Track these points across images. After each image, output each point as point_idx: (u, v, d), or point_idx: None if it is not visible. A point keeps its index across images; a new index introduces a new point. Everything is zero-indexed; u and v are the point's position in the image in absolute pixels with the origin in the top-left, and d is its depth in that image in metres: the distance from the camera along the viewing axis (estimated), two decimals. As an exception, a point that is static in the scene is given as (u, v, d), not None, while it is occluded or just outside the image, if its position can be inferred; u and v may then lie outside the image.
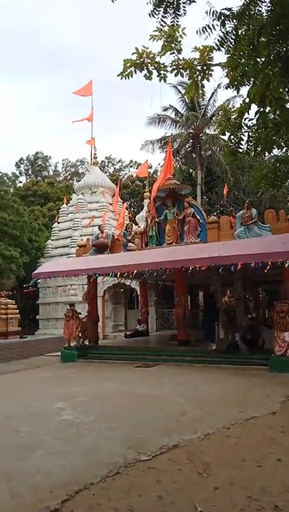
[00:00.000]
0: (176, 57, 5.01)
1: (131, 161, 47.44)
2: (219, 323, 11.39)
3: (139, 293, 18.13)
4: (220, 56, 4.90)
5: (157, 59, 5.04)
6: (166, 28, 4.71)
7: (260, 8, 4.35)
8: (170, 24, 4.54)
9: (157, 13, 4.41)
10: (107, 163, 49.13)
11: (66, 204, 26.48)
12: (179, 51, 4.98)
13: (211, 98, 26.80)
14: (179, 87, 26.03)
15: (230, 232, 11.50)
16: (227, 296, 12.11)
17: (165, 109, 27.39)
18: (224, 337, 11.70)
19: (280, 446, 4.74)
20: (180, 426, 5.52)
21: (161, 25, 4.54)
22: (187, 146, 27.97)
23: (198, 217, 12.28)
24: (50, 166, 50.29)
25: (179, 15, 4.39)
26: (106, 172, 43.33)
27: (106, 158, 48.83)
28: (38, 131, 69.16)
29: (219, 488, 3.72)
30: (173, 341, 13.22)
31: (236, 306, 15.63)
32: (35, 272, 13.75)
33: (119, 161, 49.28)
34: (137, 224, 22.79)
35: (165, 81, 5.14)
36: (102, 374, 10.07)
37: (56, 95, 70.85)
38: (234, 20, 4.44)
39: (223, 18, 4.39)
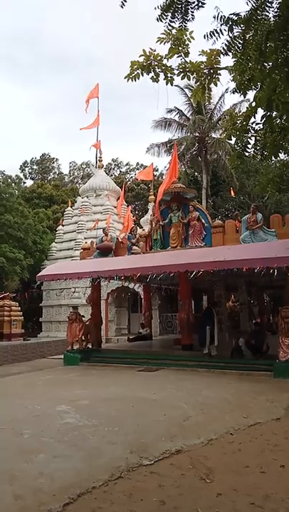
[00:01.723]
0: (183, 60, 5.05)
1: (137, 163, 47.58)
2: (214, 328, 11.28)
3: (142, 296, 18.12)
4: (227, 60, 4.93)
5: (164, 62, 5.09)
6: (173, 32, 4.75)
7: (267, 14, 4.38)
8: (178, 28, 4.58)
9: (165, 17, 4.45)
10: (113, 166, 49.30)
11: (71, 207, 26.56)
12: (186, 54, 5.01)
13: (218, 102, 26.87)
14: (186, 90, 26.13)
15: (236, 237, 11.50)
16: (231, 301, 12.08)
17: (170, 111, 27.44)
18: (228, 342, 11.65)
19: (283, 452, 4.72)
20: (183, 431, 5.51)
21: (169, 29, 4.57)
22: (193, 150, 28.00)
23: (203, 221, 12.29)
24: (55, 168, 50.56)
25: (186, 20, 4.43)
26: (112, 175, 43.46)
27: (112, 160, 49.02)
28: (47, 134, 69.64)
29: (222, 495, 3.71)
30: (176, 346, 13.19)
31: (240, 311, 15.63)
32: (39, 274, 13.80)
33: (126, 164, 49.44)
34: (141, 227, 22.81)
35: (172, 84, 5.17)
36: (105, 378, 10.07)
37: (64, 98, 71.46)
38: (242, 25, 4.47)
39: (230, 22, 4.42)
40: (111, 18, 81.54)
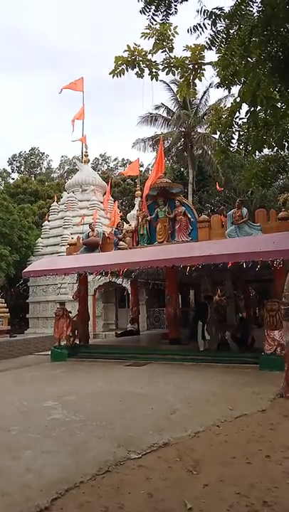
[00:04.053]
0: (167, 56, 5.02)
1: (123, 159, 47.37)
2: (205, 324, 11.41)
3: (130, 292, 18.14)
4: (211, 55, 4.93)
5: (149, 57, 5.05)
6: (157, 26, 4.72)
7: (251, 9, 4.38)
8: (160, 22, 4.55)
9: (148, 10, 4.41)
10: (100, 161, 48.98)
11: (57, 202, 26.33)
12: (171, 49, 4.99)
13: (202, 97, 26.88)
14: (172, 85, 26.08)
15: (221, 231, 11.57)
16: (218, 295, 12.19)
17: (157, 108, 27.42)
18: (214, 336, 11.77)
19: (269, 443, 4.81)
20: (170, 424, 5.56)
21: (152, 22, 4.54)
22: (179, 145, 28.01)
23: (189, 215, 12.33)
24: (43, 162, 50.03)
25: (170, 13, 4.40)
26: (99, 170, 43.19)
27: (100, 156, 48.70)
28: (38, 128, 68.73)
29: (209, 485, 3.76)
30: (164, 340, 13.27)
31: (227, 305, 15.77)
32: (25, 270, 13.67)
33: (114, 160, 49.17)
34: (128, 222, 22.75)
35: (157, 79, 5.15)
36: (93, 373, 10.07)
37: (50, 93, 70.48)
38: (226, 20, 4.46)
39: (214, 17, 4.41)
40: (95, 9, 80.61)
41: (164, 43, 4.90)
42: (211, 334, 11.65)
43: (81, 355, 12.64)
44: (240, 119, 5.40)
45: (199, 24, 4.42)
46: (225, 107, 6.12)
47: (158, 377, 8.88)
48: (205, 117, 25.85)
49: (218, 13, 4.40)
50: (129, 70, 5.04)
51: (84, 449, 4.68)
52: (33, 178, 40.32)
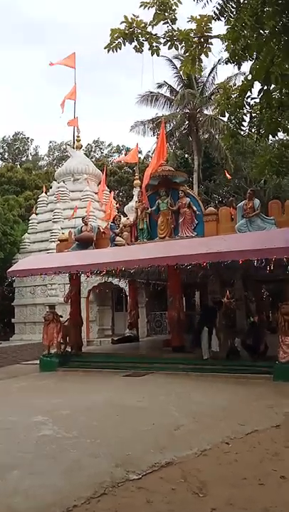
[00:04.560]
0: (170, 28, 5.01)
1: (118, 146, 47.29)
2: (212, 330, 11.44)
3: (128, 293, 18.15)
4: (220, 27, 4.91)
5: (149, 29, 5.04)
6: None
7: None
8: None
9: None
10: (94, 148, 48.94)
11: (45, 193, 26.31)
12: (173, 21, 4.98)
13: (210, 74, 26.84)
14: (175, 61, 26.01)
15: (231, 225, 11.57)
16: (226, 297, 12.19)
17: (159, 86, 27.33)
18: (223, 343, 11.79)
19: (283, 462, 4.83)
20: (174, 441, 5.58)
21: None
22: (183, 128, 27.97)
23: (194, 208, 12.33)
24: (28, 149, 49.97)
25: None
26: (92, 157, 43.13)
27: (93, 142, 48.66)
28: (24, 110, 68.65)
29: (217, 510, 3.78)
30: (166, 347, 13.29)
31: (237, 308, 15.76)
32: (10, 269, 13.68)
33: (109, 145, 49.09)
34: (125, 215, 22.73)
35: (158, 54, 5.14)
36: (87, 384, 10.10)
37: (37, 72, 70.39)
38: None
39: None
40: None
41: (166, 14, 4.89)
42: (219, 341, 11.68)
43: (73, 365, 12.66)
44: (252, 99, 5.39)
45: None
46: (235, 85, 6.10)
47: (160, 389, 8.91)
48: (212, 97, 25.76)
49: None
50: (127, 43, 5.03)
51: (77, 469, 4.70)
52: (18, 166, 40.24)
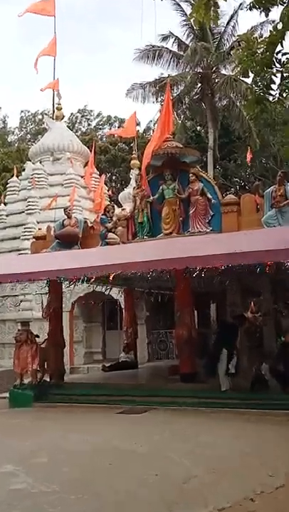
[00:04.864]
0: None
1: (109, 116, 47.33)
2: (233, 354, 11.43)
3: (123, 306, 18.14)
4: None
5: None
6: None
7: None
8: None
9: None
10: (79, 118, 49.10)
11: (17, 176, 26.36)
12: None
13: (228, 23, 26.95)
14: (184, 5, 26.09)
15: (256, 218, 11.57)
16: (250, 310, 12.19)
17: (164, 39, 27.33)
18: (246, 369, 11.79)
19: None
20: (183, 497, 5.57)
21: None
22: (194, 93, 28.05)
23: (209, 195, 12.33)
24: None
25: None
26: (77, 131, 43.24)
27: (79, 111, 48.77)
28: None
29: None
30: (173, 376, 13.28)
31: (263, 325, 15.74)
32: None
33: (98, 115, 49.19)
34: (120, 206, 22.78)
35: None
36: (71, 424, 10.09)
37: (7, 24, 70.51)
38: None
39: None
40: None
41: None
42: (241, 367, 11.66)
43: (53, 399, 12.63)
44: (284, 54, 5.41)
45: None
46: (261, 37, 6.11)
47: (165, 430, 8.89)
48: (232, 53, 25.84)
49: None
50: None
51: (58, 534, 4.70)
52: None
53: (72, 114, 47.48)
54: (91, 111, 49.79)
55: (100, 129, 48.18)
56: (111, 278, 12.06)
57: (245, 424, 9.24)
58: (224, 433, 8.56)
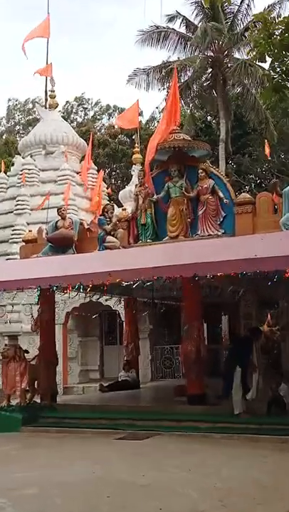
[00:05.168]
0: None
1: (108, 105, 47.45)
2: (248, 373, 11.41)
3: (123, 318, 18.13)
4: None
5: None
6: None
7: None
8: None
9: None
10: (75, 108, 49.23)
11: (5, 172, 26.43)
12: None
13: (242, 1, 27.02)
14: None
15: (273, 219, 11.58)
16: (267, 323, 12.19)
17: (170, 19, 27.38)
18: (263, 390, 11.78)
19: None
20: (191, 534, 5.55)
21: None
22: (204, 79, 28.10)
23: (220, 194, 12.35)
24: None
25: None
26: (73, 122, 43.38)
27: (75, 99, 48.88)
28: None
29: None
30: (179, 397, 13.25)
31: (282, 340, 15.74)
32: None
33: (97, 104, 49.34)
34: (120, 206, 22.81)
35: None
36: (64, 451, 10.06)
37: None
38: None
39: None
40: None
41: None
42: (256, 387, 11.65)
43: (44, 422, 12.62)
44: (305, 36, 5.42)
45: None
46: (279, 17, 6.14)
47: (170, 458, 8.86)
48: (247, 34, 25.90)
49: None
50: None
51: None
52: None
53: (67, 102, 47.69)
54: (88, 99, 49.97)
55: (98, 119, 48.32)
56: (110, 287, 12.07)
57: (261, 451, 9.20)
58: (237, 462, 8.52)
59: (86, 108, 50.00)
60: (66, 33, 68.81)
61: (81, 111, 49.93)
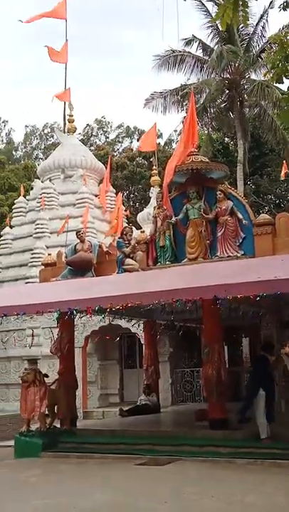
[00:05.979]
0: None
1: (128, 127, 47.88)
2: (273, 395, 11.27)
3: (143, 342, 18.07)
4: None
5: None
6: None
7: None
8: None
9: None
10: (96, 130, 49.77)
11: (24, 196, 26.67)
12: None
13: (258, 23, 27.25)
14: (209, 5, 26.45)
15: (294, 240, 11.53)
16: (287, 346, 12.06)
17: (187, 43, 27.67)
18: (286, 413, 11.61)
19: None
20: None
21: None
22: (221, 101, 28.26)
23: (239, 215, 12.35)
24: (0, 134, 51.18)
25: None
26: (92, 145, 43.77)
27: (96, 121, 49.44)
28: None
29: None
30: (200, 422, 13.13)
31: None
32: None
33: (119, 127, 49.80)
34: (139, 228, 22.84)
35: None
36: (84, 477, 10.00)
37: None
38: None
39: None
40: None
41: None
42: (279, 411, 11.49)
43: (64, 447, 12.56)
44: None
45: None
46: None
47: (192, 485, 8.76)
48: (263, 56, 26.07)
49: None
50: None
51: None
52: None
53: (88, 125, 48.19)
54: (109, 122, 50.46)
55: (120, 142, 48.68)
56: (129, 310, 12.04)
57: (285, 477, 9.08)
58: (261, 488, 8.40)
59: (106, 131, 50.50)
60: (86, 54, 69.75)
61: (101, 134, 50.45)
